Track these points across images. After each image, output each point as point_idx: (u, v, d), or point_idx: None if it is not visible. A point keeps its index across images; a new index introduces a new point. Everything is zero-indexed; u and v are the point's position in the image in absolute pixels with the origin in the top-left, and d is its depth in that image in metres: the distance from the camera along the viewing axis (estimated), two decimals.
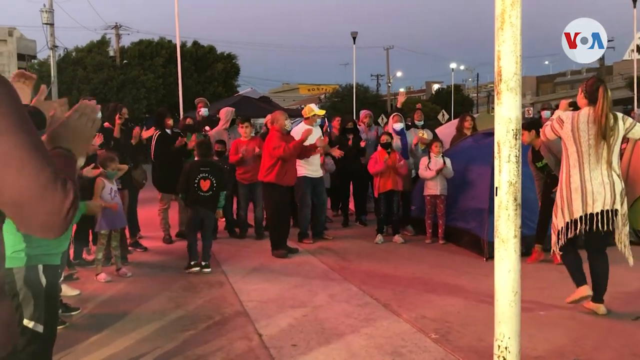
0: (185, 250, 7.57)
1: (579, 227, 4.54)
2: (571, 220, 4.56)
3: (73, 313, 4.94)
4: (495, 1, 2.59)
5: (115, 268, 6.31)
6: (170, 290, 5.74)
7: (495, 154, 2.67)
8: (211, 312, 4.99)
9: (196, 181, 6.47)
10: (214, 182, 6.52)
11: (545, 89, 76.00)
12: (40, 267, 3.13)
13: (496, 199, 2.70)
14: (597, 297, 4.74)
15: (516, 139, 2.60)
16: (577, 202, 4.50)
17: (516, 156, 2.62)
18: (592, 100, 4.52)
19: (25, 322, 3.07)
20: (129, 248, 7.22)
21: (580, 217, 4.52)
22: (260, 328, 4.55)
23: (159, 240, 7.99)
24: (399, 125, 8.45)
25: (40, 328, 3.10)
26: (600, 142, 4.46)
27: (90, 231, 6.84)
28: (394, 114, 8.76)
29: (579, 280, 4.74)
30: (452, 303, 5.17)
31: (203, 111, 9.52)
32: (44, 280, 3.14)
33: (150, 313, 5.01)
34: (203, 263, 6.42)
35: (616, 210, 4.52)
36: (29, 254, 3.09)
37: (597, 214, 4.49)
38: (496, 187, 2.69)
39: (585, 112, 4.53)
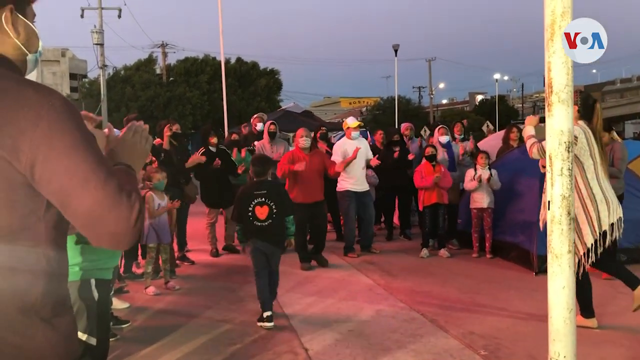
0: (232, 263, 7.71)
1: (608, 238, 4.49)
2: (600, 233, 4.49)
3: (123, 326, 5.05)
4: (545, 12, 2.55)
5: (163, 281, 6.42)
6: (217, 303, 5.80)
7: (547, 167, 2.60)
8: (257, 326, 5.01)
9: (250, 208, 5.17)
10: (273, 207, 5.18)
11: None
12: (93, 281, 3.22)
13: (549, 214, 2.62)
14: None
15: (569, 151, 2.54)
16: (605, 212, 4.48)
17: (569, 169, 2.55)
18: (586, 115, 4.63)
19: (79, 335, 3.16)
20: (177, 262, 7.35)
21: (608, 227, 4.50)
22: (305, 342, 4.55)
23: (205, 254, 8.11)
24: (444, 138, 8.37)
25: (93, 341, 3.18)
26: (602, 154, 4.60)
27: (139, 245, 7.00)
28: (439, 126, 8.72)
29: (590, 312, 4.70)
30: (501, 319, 5.06)
31: (259, 126, 9.58)
32: (96, 294, 3.22)
33: (198, 326, 5.08)
34: (265, 315, 4.98)
35: (620, 217, 4.58)
36: (82, 269, 3.18)
37: (614, 223, 4.53)
38: (548, 201, 2.61)
39: (585, 125, 4.58)
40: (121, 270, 6.36)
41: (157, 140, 7.54)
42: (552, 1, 2.55)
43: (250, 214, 5.18)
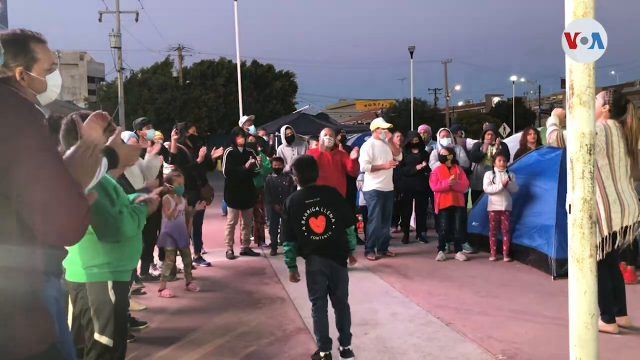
0: (248, 265, 7.72)
1: (618, 240, 4.43)
2: (609, 233, 4.43)
3: (140, 327, 5.08)
4: (565, 13, 2.51)
5: (185, 283, 6.46)
6: (233, 305, 5.81)
7: (568, 170, 2.56)
8: (273, 328, 5.01)
9: (303, 221, 4.24)
10: (331, 216, 4.24)
11: None
12: (110, 282, 3.23)
13: (570, 217, 2.58)
14: (624, 310, 4.68)
15: (590, 154, 2.49)
16: (617, 214, 4.42)
17: (590, 172, 2.50)
18: (617, 114, 4.53)
19: (96, 336, 3.18)
20: (193, 264, 7.38)
21: (619, 229, 4.44)
22: None
23: (221, 256, 8.13)
24: (446, 141, 8.33)
25: (110, 342, 3.20)
26: (627, 157, 4.48)
27: (154, 247, 7.04)
28: (441, 129, 8.74)
29: (611, 316, 4.62)
30: (520, 323, 5.00)
31: (251, 130, 9.63)
32: (113, 296, 3.24)
33: (214, 328, 5.09)
34: (340, 348, 4.27)
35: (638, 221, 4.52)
36: (100, 270, 3.20)
37: (630, 226, 4.46)
38: (569, 205, 2.57)
39: (614, 124, 4.49)
40: (138, 272, 6.41)
41: (167, 143, 7.62)
42: (572, 2, 2.52)
43: (304, 227, 4.23)
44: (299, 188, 4.53)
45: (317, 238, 4.21)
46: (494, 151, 8.35)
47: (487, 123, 10.84)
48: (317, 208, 4.23)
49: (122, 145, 2.47)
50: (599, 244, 4.42)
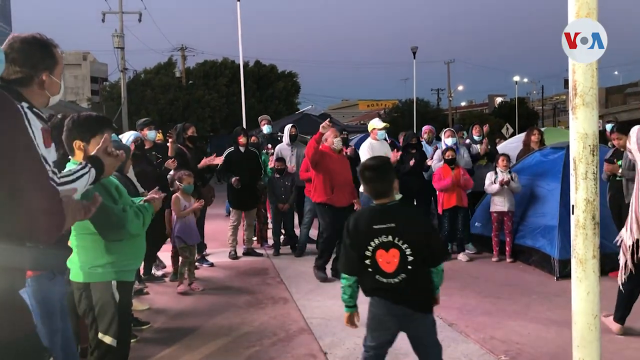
0: (251, 266, 7.72)
1: None
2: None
3: (143, 327, 5.09)
4: (568, 14, 2.51)
5: (187, 282, 6.46)
6: (236, 305, 5.82)
7: (572, 171, 2.56)
8: (276, 329, 5.02)
9: (369, 252, 3.04)
10: (409, 251, 2.99)
11: (615, 101, 72.73)
12: (115, 282, 3.24)
13: (573, 218, 2.58)
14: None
15: (593, 155, 2.50)
16: None
17: (594, 173, 2.51)
18: None
19: (100, 335, 3.19)
20: (196, 264, 7.38)
21: None
22: (325, 346, 4.54)
23: (224, 256, 8.14)
24: (450, 140, 8.32)
25: (114, 342, 3.21)
26: None
27: (159, 247, 7.05)
28: (446, 129, 8.71)
29: (622, 318, 4.58)
30: (523, 324, 4.99)
31: (265, 129, 9.66)
32: (117, 296, 3.25)
33: (217, 328, 5.09)
34: None
35: None
36: (104, 270, 3.21)
37: None
38: (572, 205, 2.57)
39: None
40: (141, 272, 6.42)
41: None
42: (576, 3, 2.52)
43: (368, 261, 3.04)
44: (374, 203, 3.18)
45: (386, 281, 3.01)
46: (480, 148, 8.44)
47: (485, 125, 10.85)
48: (389, 238, 3.00)
49: (105, 157, 2.62)
50: (630, 247, 4.34)
